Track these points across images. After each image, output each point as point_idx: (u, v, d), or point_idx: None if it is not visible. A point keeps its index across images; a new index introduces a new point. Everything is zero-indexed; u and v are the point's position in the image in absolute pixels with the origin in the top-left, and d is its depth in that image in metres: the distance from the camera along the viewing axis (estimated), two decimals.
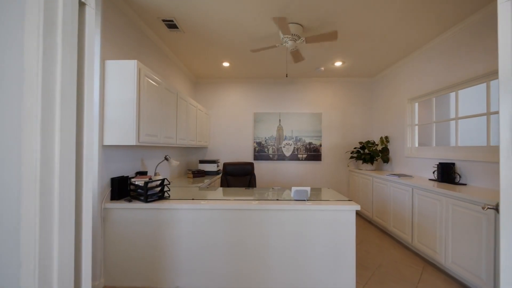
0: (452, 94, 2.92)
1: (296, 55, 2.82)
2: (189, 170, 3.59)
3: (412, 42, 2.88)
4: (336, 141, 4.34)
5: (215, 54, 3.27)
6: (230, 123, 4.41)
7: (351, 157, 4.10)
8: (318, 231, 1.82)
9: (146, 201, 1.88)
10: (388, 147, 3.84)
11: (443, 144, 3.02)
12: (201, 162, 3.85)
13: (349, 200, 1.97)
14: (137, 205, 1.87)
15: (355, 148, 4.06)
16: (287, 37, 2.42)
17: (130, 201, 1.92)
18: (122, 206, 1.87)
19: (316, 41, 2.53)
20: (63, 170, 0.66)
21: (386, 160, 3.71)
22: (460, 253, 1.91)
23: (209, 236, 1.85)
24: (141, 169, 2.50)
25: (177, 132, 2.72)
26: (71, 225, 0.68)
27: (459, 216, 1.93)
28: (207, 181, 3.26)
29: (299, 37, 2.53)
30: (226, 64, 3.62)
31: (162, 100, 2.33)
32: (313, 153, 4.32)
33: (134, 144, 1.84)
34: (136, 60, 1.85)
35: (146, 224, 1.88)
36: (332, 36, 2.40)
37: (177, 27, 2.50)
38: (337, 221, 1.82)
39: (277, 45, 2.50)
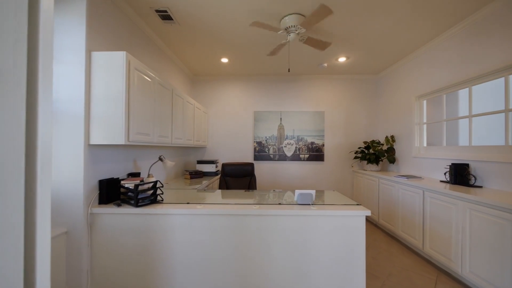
0: (461, 92, 2.78)
1: (278, 49, 2.63)
2: (186, 171, 3.43)
3: (421, 36, 2.72)
4: (339, 140, 4.18)
5: (213, 49, 3.11)
6: (230, 122, 4.26)
7: (355, 157, 3.94)
8: (324, 239, 1.66)
9: (136, 205, 1.72)
10: (394, 146, 3.68)
11: (449, 144, 2.86)
12: (199, 162, 3.69)
13: (357, 204, 1.81)
14: (127, 210, 1.71)
15: (359, 148, 3.90)
16: (293, 27, 2.26)
17: (119, 205, 1.76)
18: (110, 211, 1.71)
19: (312, 45, 2.43)
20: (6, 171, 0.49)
21: (392, 160, 3.55)
22: (479, 262, 1.75)
23: (205, 244, 1.69)
24: (134, 170, 2.35)
25: (172, 131, 2.56)
26: (16, 237, 0.52)
27: (478, 221, 1.77)
28: (205, 182, 3.11)
29: (300, 33, 2.37)
30: (224, 60, 3.46)
31: (156, 97, 2.17)
32: (316, 153, 4.16)
33: (123, 143, 1.68)
34: (124, 52, 1.69)
35: (137, 231, 1.72)
36: (323, 45, 2.33)
37: (171, 19, 2.34)
38: (345, 227, 1.66)
39: (279, 32, 2.33)
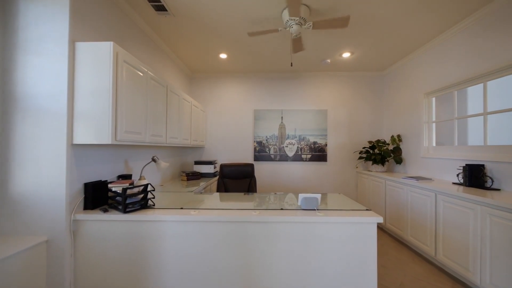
0: (470, 89, 2.62)
1: (297, 44, 2.49)
2: (183, 172, 3.28)
3: (430, 29, 2.56)
4: (343, 140, 4.02)
5: (211, 44, 2.95)
6: (229, 121, 4.10)
7: (360, 158, 3.78)
8: (331, 249, 1.50)
9: (124, 211, 1.57)
10: (401, 146, 3.52)
11: (459, 144, 2.69)
12: (197, 163, 3.54)
13: (366, 209, 1.65)
14: (114, 216, 1.55)
15: (364, 147, 3.74)
16: (293, 19, 2.11)
17: (106, 211, 1.61)
18: (95, 217, 1.56)
19: (324, 27, 2.22)
20: None
21: (399, 161, 3.39)
22: (502, 273, 1.59)
23: (200, 254, 1.54)
24: (125, 172, 2.19)
25: (167, 130, 2.41)
26: None
27: (500, 228, 1.61)
28: (202, 184, 2.95)
29: (306, 21, 2.21)
30: (223, 56, 3.30)
31: (149, 93, 2.02)
32: (318, 153, 4.00)
33: (109, 142, 1.53)
34: (112, 42, 1.54)
35: (125, 239, 1.56)
36: (343, 22, 2.09)
37: (165, 9, 2.19)
38: (354, 236, 1.50)
39: (279, 29, 2.18)
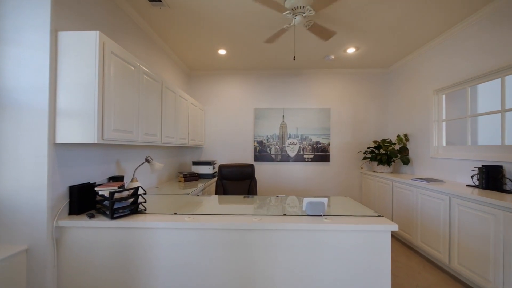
0: (480, 86, 2.46)
1: (277, 35, 2.31)
2: (180, 173, 3.14)
3: (439, 23, 2.41)
4: (346, 139, 3.87)
5: (209, 39, 2.81)
6: (228, 120, 3.96)
7: (365, 158, 3.63)
8: (339, 259, 1.36)
9: (112, 217, 1.43)
10: (408, 146, 3.37)
11: (461, 144, 2.54)
12: (195, 163, 3.40)
13: (378, 215, 1.51)
14: (100, 222, 1.41)
15: (368, 147, 3.59)
16: (289, 12, 1.96)
17: (92, 216, 1.47)
18: (80, 223, 1.42)
19: (316, 33, 2.12)
20: None
21: (406, 161, 3.24)
22: None
23: (194, 265, 1.40)
24: (117, 173, 2.05)
25: (162, 128, 2.27)
26: None
27: None
28: (201, 185, 2.81)
29: (304, 8, 2.05)
30: (222, 51, 3.16)
31: (141, 89, 1.88)
32: (321, 154, 3.86)
33: (95, 142, 1.39)
34: (97, 31, 1.40)
35: (113, 247, 1.42)
36: (327, 36, 2.02)
37: (160, 0, 2.05)
38: (366, 245, 1.35)
39: (285, 26, 2.04)
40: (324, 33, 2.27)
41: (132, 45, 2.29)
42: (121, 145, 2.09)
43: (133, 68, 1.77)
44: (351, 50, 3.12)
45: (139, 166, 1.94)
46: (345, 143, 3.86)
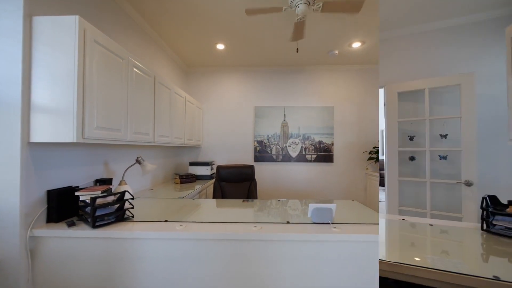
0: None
1: (298, 29, 2.16)
2: (176, 174, 2.98)
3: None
4: (351, 139, 3.71)
5: (206, 31, 2.65)
6: (227, 119, 3.80)
7: (370, 158, 3.47)
8: (349, 274, 1.20)
9: (93, 225, 1.27)
10: None
11: None
12: (192, 164, 3.24)
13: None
14: (80, 232, 1.25)
15: (374, 147, 3.43)
16: (287, 7, 1.80)
17: (72, 224, 1.31)
18: (58, 233, 1.26)
19: (335, 10, 1.92)
20: None
21: None
22: None
23: (188, 280, 1.24)
24: (105, 176, 1.89)
25: (155, 127, 2.11)
26: None
27: None
28: (198, 187, 2.66)
29: (315, 1, 1.91)
30: (220, 46, 3.00)
31: (130, 83, 1.72)
32: (324, 154, 3.70)
33: (75, 141, 1.23)
34: (77, 16, 1.24)
35: (95, 260, 1.26)
36: (356, 6, 1.79)
37: None
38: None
39: (284, 7, 1.88)
40: (347, 5, 1.81)
41: (123, 38, 2.13)
42: (109, 144, 1.93)
43: (121, 60, 1.61)
44: (356, 45, 2.96)
45: (129, 167, 1.78)
46: (349, 143, 3.70)
